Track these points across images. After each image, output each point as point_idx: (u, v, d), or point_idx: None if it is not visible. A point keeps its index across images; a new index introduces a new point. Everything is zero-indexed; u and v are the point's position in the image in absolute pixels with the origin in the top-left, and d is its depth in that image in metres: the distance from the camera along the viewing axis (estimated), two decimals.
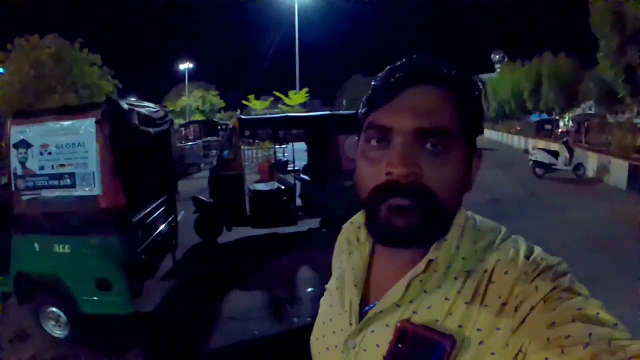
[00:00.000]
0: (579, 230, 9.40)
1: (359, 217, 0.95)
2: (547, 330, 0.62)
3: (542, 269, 0.70)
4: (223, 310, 6.01)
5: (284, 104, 29.75)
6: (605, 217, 10.64)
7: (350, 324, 0.84)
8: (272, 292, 6.62)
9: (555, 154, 16.64)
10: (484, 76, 57.00)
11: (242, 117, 9.64)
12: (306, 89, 30.46)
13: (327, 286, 1.01)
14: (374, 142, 0.76)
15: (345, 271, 0.92)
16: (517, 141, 33.71)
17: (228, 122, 31.16)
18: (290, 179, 10.72)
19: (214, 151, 20.19)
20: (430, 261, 0.76)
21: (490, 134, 46.14)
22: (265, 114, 21.78)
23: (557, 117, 33.25)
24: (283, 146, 18.48)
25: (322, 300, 1.00)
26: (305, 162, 10.61)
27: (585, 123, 22.69)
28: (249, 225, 9.03)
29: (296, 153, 11.84)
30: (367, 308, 0.83)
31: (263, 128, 9.84)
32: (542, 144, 23.95)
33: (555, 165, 16.41)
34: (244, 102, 34.02)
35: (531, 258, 0.73)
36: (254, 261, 7.95)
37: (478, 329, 0.69)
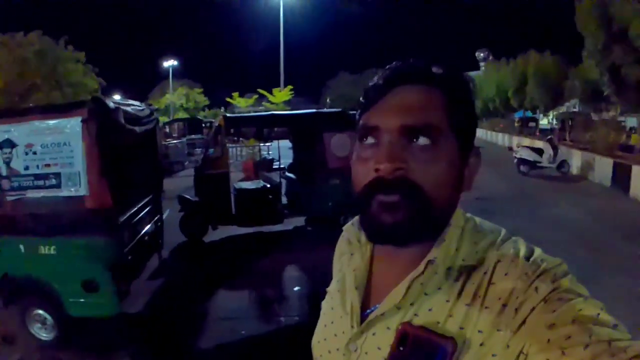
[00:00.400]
0: (567, 228, 9.52)
1: (358, 218, 0.94)
2: (548, 331, 0.62)
3: (542, 270, 0.70)
4: (210, 310, 5.98)
5: (269, 101, 29.65)
6: (592, 214, 10.79)
7: (352, 326, 0.84)
8: (259, 291, 6.61)
9: (539, 152, 16.83)
10: (469, 73, 57.38)
11: (228, 115, 9.60)
12: (290, 87, 30.41)
13: (328, 289, 1.01)
14: (365, 142, 0.78)
15: (346, 273, 0.93)
16: (501, 138, 34.02)
17: (213, 120, 30.95)
18: (276, 177, 10.68)
19: (199, 149, 20.05)
20: (429, 262, 0.76)
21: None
22: (250, 112, 21.66)
23: (540, 115, 33.65)
24: (267, 144, 18.34)
25: (323, 303, 1.00)
26: (290, 160, 10.60)
27: (570, 121, 22.96)
28: (235, 223, 8.99)
29: (281, 151, 11.83)
30: (368, 311, 0.83)
31: (249, 126, 9.79)
32: (526, 141, 24.15)
33: (540, 162, 16.60)
34: (228, 99, 33.91)
35: (531, 259, 0.73)
36: (240, 260, 7.91)
37: (479, 331, 0.69)
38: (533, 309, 0.66)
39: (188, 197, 9.13)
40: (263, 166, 12.60)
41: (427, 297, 0.76)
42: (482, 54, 63.59)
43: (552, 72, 22.67)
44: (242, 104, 32.57)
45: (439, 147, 0.74)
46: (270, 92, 29.64)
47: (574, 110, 25.71)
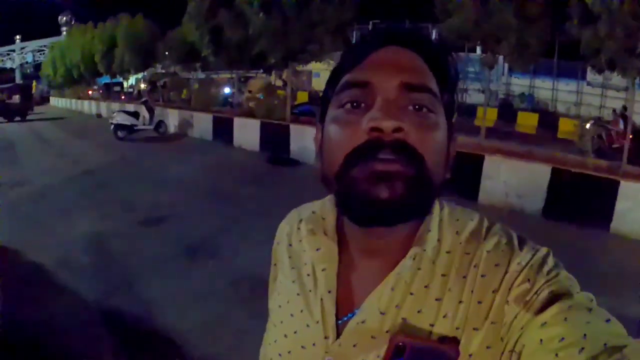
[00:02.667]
0: (190, 183, 9.79)
1: (321, 206, 0.83)
2: (540, 330, 0.58)
3: (533, 260, 0.65)
4: None
5: None
6: (205, 168, 11.33)
7: (326, 337, 0.72)
8: None
9: (136, 115, 16.91)
10: (50, 40, 52.70)
11: None
12: None
13: (276, 289, 0.86)
14: (349, 106, 0.65)
15: (308, 273, 0.78)
16: (87, 106, 32.92)
17: None
18: None
19: None
20: (415, 256, 0.68)
21: (57, 102, 44.00)
22: None
23: (122, 79, 33.49)
24: None
25: (274, 306, 0.84)
26: None
27: (163, 82, 23.91)
28: None
29: None
30: (344, 318, 0.72)
31: None
32: (116, 106, 23.88)
33: (137, 126, 16.66)
34: None
35: (523, 249, 0.67)
36: None
37: (474, 328, 0.64)
38: (526, 303, 0.61)
39: None
40: None
41: (414, 297, 0.67)
42: (64, 18, 59.70)
43: (143, 34, 22.67)
44: None
45: (436, 115, 0.65)
46: None
47: (163, 71, 26.69)
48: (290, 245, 0.85)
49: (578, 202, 7.20)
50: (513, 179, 7.97)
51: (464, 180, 8.21)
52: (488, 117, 12.27)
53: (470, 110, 17.68)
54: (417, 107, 0.63)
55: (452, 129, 0.70)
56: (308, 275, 0.77)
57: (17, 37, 62.34)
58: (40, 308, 4.67)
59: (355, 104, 0.64)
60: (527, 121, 18.52)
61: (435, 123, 0.64)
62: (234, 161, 12.26)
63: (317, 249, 0.77)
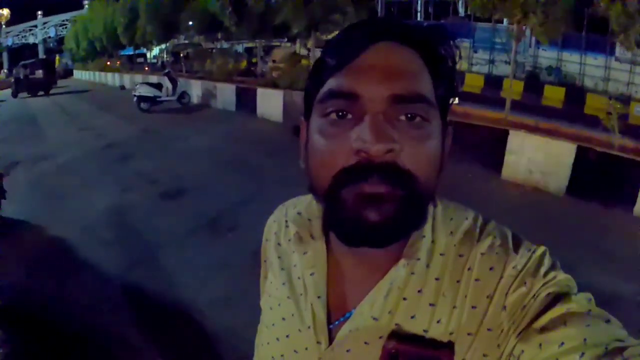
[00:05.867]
0: (212, 155, 9.82)
1: (307, 208, 0.81)
2: (539, 336, 0.57)
3: (530, 262, 0.64)
4: None
5: None
6: (228, 138, 11.31)
7: (319, 342, 0.71)
8: None
9: (158, 87, 16.87)
10: (72, 14, 52.78)
11: None
12: None
13: (267, 290, 0.85)
14: (334, 116, 0.61)
15: (299, 276, 0.76)
16: (111, 78, 32.85)
17: None
18: None
19: None
20: (408, 262, 0.67)
21: (81, 75, 43.84)
22: None
23: (145, 51, 33.76)
24: None
25: (266, 308, 0.83)
26: None
27: (186, 53, 23.91)
28: None
29: None
30: (336, 322, 0.71)
31: None
32: (139, 78, 23.84)
33: (160, 97, 16.61)
34: None
35: (518, 252, 0.65)
36: None
37: (469, 333, 0.63)
38: (524, 307, 0.60)
39: None
40: None
41: (407, 302, 0.66)
42: None
43: (165, 5, 22.70)
44: None
45: (430, 123, 0.62)
46: None
47: (186, 42, 26.83)
48: (279, 244, 0.84)
49: (603, 182, 7.01)
50: (537, 155, 7.77)
51: (488, 153, 8.15)
52: (515, 89, 12.05)
53: (497, 82, 17.37)
54: (409, 116, 0.60)
55: (447, 124, 0.67)
56: (298, 278, 0.76)
57: (39, 12, 61.74)
58: (62, 282, 4.76)
59: (341, 114, 0.61)
60: (554, 95, 17.99)
61: (429, 133, 0.61)
62: (257, 132, 12.19)
63: (305, 253, 0.76)
